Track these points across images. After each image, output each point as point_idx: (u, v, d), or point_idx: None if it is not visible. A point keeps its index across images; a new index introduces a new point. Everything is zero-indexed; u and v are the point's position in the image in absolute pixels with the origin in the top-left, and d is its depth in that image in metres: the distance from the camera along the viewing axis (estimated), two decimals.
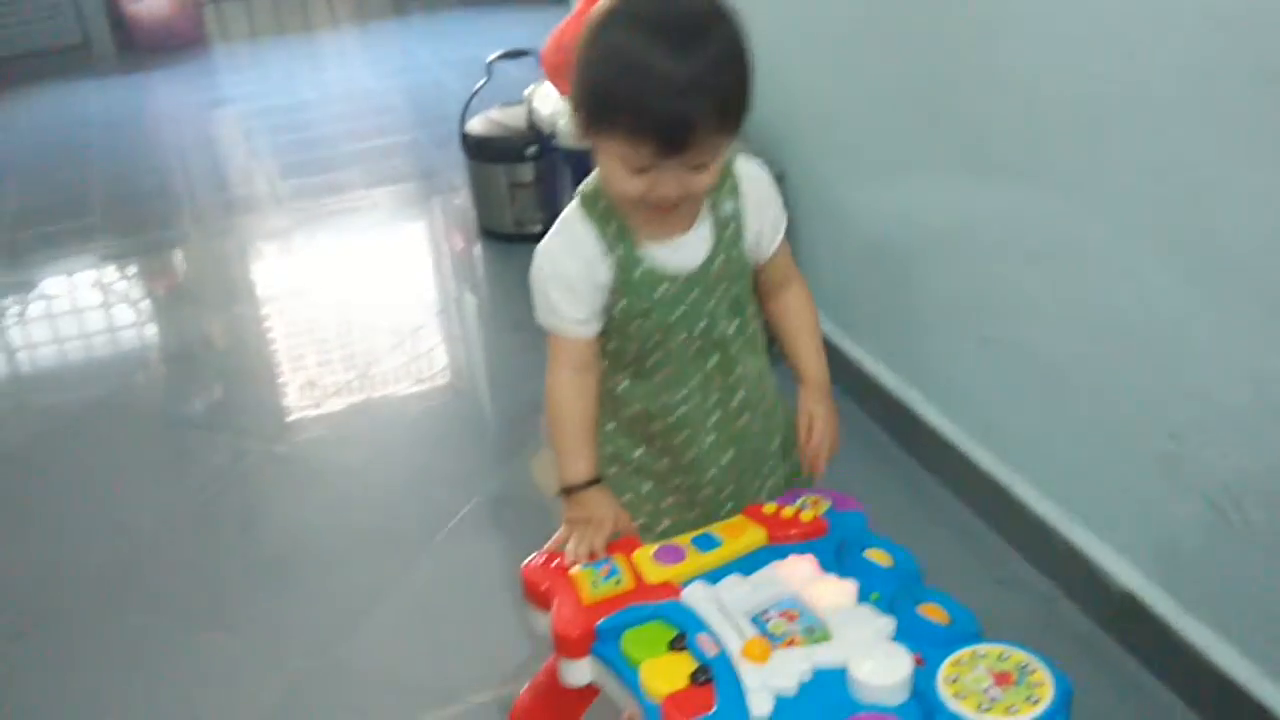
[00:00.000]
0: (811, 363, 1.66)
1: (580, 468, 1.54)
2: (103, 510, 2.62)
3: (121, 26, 6.41)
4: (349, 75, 6.05)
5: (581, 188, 1.51)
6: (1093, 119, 1.74)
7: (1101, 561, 1.93)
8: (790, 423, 1.68)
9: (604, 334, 1.54)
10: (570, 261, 1.48)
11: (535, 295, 1.53)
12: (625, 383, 1.57)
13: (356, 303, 3.56)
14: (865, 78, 2.35)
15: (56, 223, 4.32)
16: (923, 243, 2.27)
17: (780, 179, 2.73)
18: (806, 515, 1.52)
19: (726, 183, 1.52)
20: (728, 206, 1.52)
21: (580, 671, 1.36)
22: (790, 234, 2.74)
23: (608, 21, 1.36)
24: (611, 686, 1.34)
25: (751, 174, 1.56)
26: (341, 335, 3.40)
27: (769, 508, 1.54)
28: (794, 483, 1.68)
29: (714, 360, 1.55)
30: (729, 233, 1.52)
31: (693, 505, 1.64)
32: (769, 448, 1.66)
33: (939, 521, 2.26)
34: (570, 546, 1.47)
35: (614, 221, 1.48)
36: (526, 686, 1.59)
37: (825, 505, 1.56)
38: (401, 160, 4.63)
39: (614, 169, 1.39)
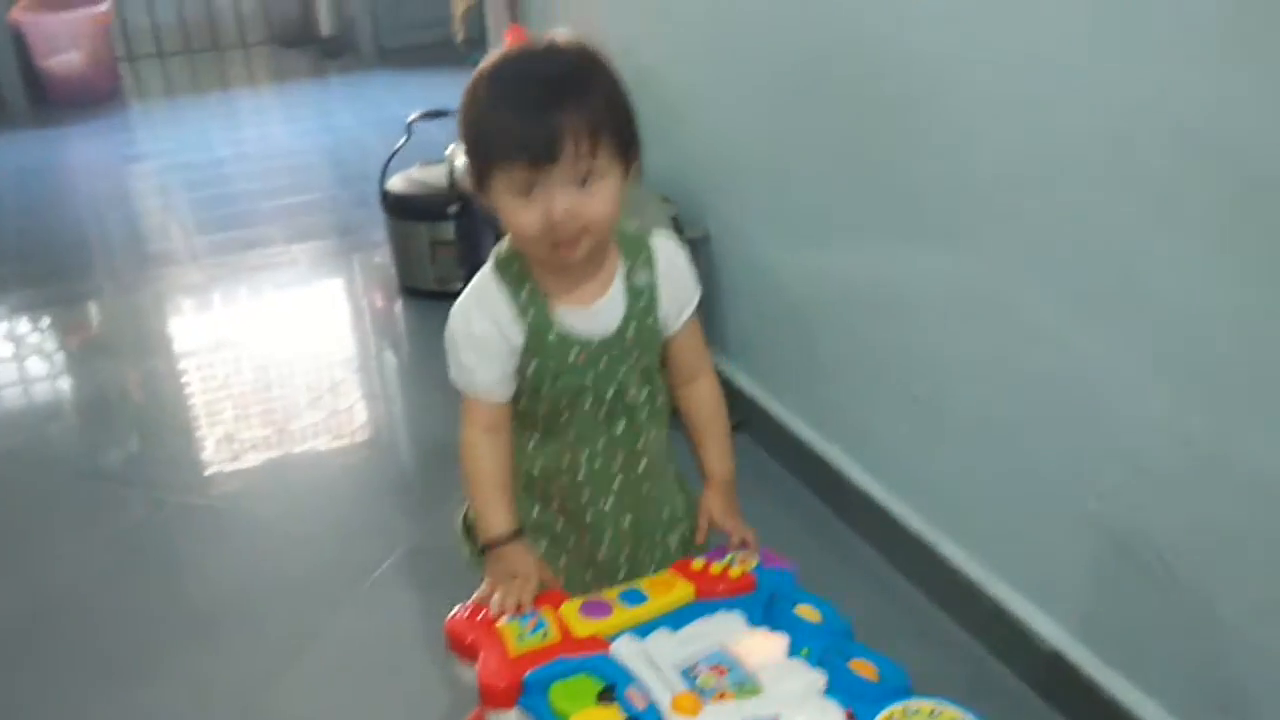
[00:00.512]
0: (717, 462, 1.65)
1: (499, 523, 1.54)
2: (16, 562, 2.55)
3: (35, 81, 6.32)
4: (267, 134, 6.00)
5: (495, 250, 1.52)
6: (1019, 182, 1.77)
7: (1029, 621, 1.94)
8: (685, 491, 1.69)
9: (514, 393, 1.54)
10: (483, 324, 1.49)
11: (449, 356, 1.53)
12: (533, 441, 1.58)
13: (275, 358, 3.51)
14: (792, 139, 2.37)
15: None
16: (848, 302, 2.29)
17: (704, 240, 2.75)
18: (735, 571, 1.52)
19: (641, 255, 1.53)
20: (642, 277, 1.53)
21: None
22: (714, 294, 2.78)
23: (480, 82, 1.41)
24: None
25: (667, 249, 1.57)
26: (259, 390, 3.34)
27: (697, 564, 1.53)
28: (688, 552, 1.65)
29: (621, 426, 1.55)
30: (642, 303, 1.52)
31: (587, 566, 1.63)
32: (661, 516, 1.66)
33: (865, 580, 2.26)
34: (496, 599, 1.45)
35: (527, 284, 1.48)
36: None
37: (754, 562, 1.55)
38: (321, 217, 4.59)
39: (508, 208, 1.40)
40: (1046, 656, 1.89)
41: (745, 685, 1.30)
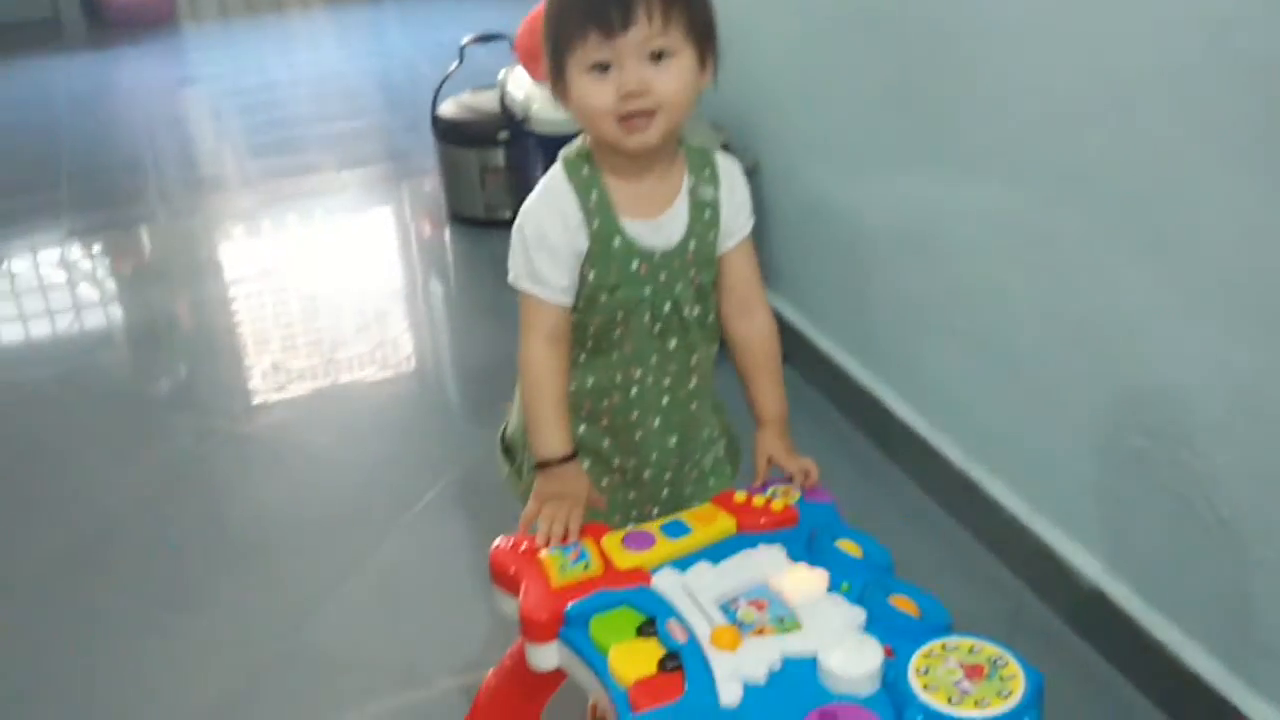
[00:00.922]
0: (772, 402, 1.62)
1: (556, 443, 1.51)
2: (65, 487, 2.59)
3: (92, 2, 6.34)
4: (320, 57, 6.00)
5: (564, 153, 1.50)
6: (1067, 115, 1.74)
7: (1070, 558, 1.93)
8: (720, 411, 1.69)
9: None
10: (554, 224, 1.47)
11: (514, 258, 1.50)
12: (582, 356, 1.55)
13: (323, 286, 3.53)
14: (842, 71, 2.34)
15: (22, 197, 4.27)
16: (895, 236, 2.26)
17: (754, 171, 2.72)
18: (777, 505, 1.51)
19: (707, 170, 1.53)
20: (707, 192, 1.52)
21: (547, 656, 1.35)
22: (762, 226, 2.75)
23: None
24: (579, 671, 1.32)
25: (729, 167, 1.56)
26: (307, 318, 3.37)
27: (739, 496, 1.53)
28: (720, 471, 1.68)
29: (674, 342, 1.54)
30: (705, 218, 1.52)
31: (630, 487, 1.63)
32: (701, 436, 1.65)
33: (907, 516, 2.26)
34: (543, 525, 1.45)
35: (596, 190, 1.47)
36: (492, 670, 1.57)
37: (796, 495, 1.55)
38: (371, 143, 4.60)
39: (581, 88, 1.40)
40: (1087, 594, 1.89)
41: (785, 620, 1.30)
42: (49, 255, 3.85)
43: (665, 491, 1.63)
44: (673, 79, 1.40)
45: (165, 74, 5.76)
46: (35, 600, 2.24)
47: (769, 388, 1.62)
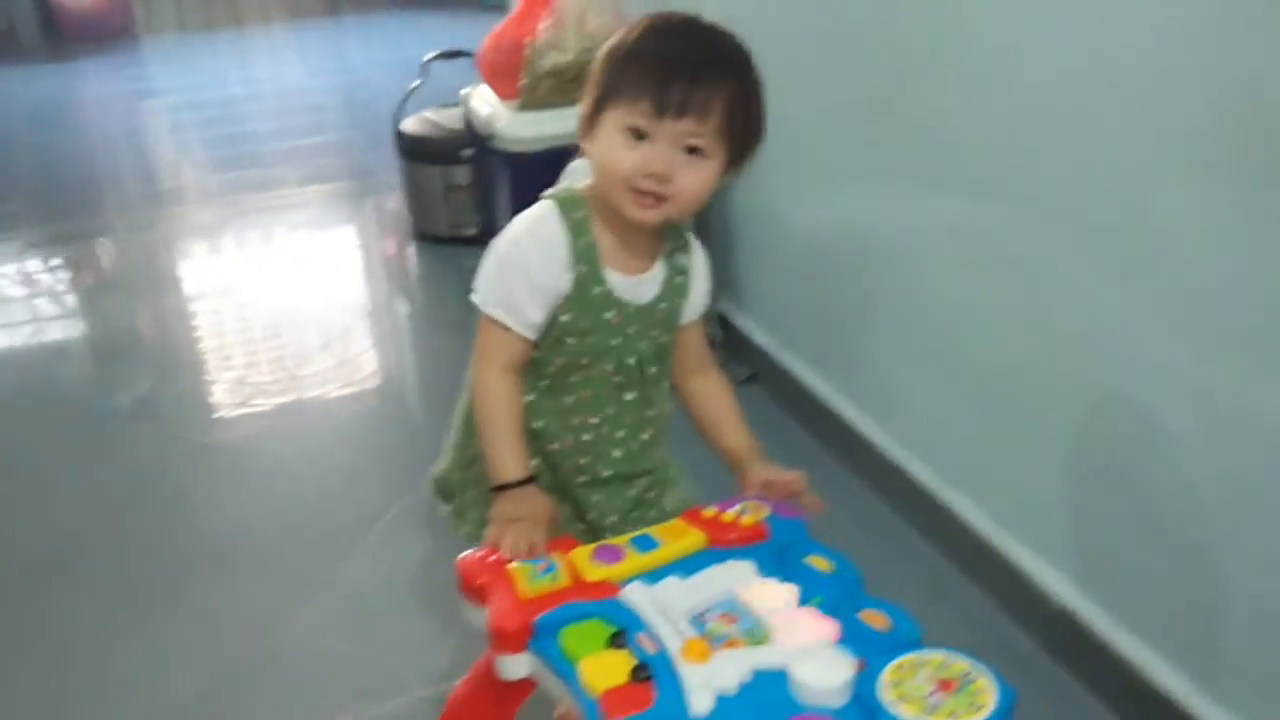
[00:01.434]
0: (744, 440, 1.63)
1: (514, 467, 1.52)
2: (26, 498, 2.57)
3: (48, 15, 6.30)
4: (280, 73, 5.98)
5: (556, 193, 1.52)
6: (1040, 132, 1.75)
7: (1039, 577, 1.94)
8: (679, 468, 1.70)
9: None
10: (540, 260, 1.49)
11: (488, 282, 1.52)
12: (532, 397, 1.57)
13: (286, 301, 3.51)
14: (810, 86, 2.35)
15: None
16: (863, 253, 2.27)
17: (720, 189, 2.72)
18: (747, 520, 1.51)
19: (681, 239, 1.57)
20: (682, 260, 1.57)
21: (517, 666, 1.34)
22: (730, 244, 2.77)
23: (636, 29, 1.45)
24: (548, 682, 1.32)
25: (696, 245, 1.60)
26: (270, 334, 3.35)
27: (708, 512, 1.53)
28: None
29: (631, 395, 1.57)
30: (677, 283, 1.56)
31: (577, 521, 1.64)
32: (645, 489, 1.66)
33: (875, 534, 2.27)
34: (508, 542, 1.44)
35: (586, 236, 1.49)
36: (462, 680, 1.56)
37: (765, 511, 1.54)
38: (334, 159, 4.58)
39: (610, 143, 1.42)
40: (1056, 614, 1.90)
41: (755, 633, 1.30)
42: (6, 268, 3.81)
43: (609, 535, 1.59)
44: (696, 178, 1.43)
45: (123, 87, 5.72)
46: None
47: (736, 429, 1.64)
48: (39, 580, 2.28)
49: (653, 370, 1.57)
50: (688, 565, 1.41)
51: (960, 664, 1.23)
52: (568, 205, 1.50)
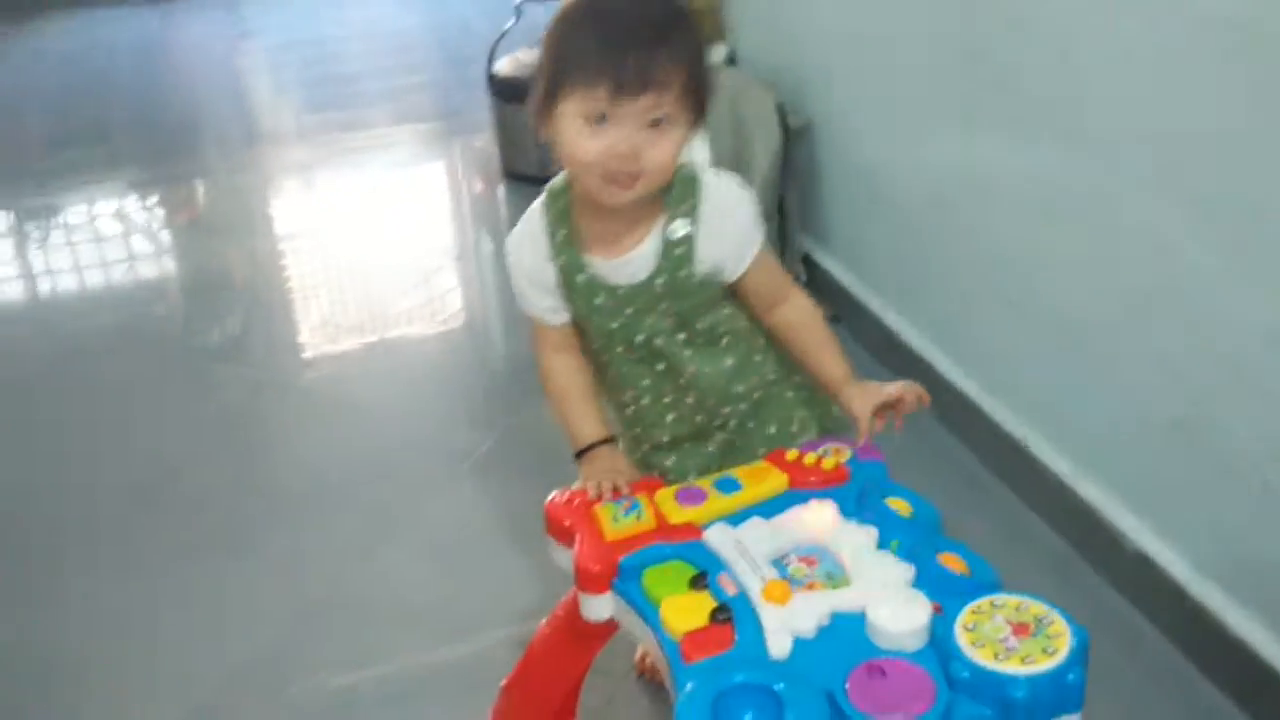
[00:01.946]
0: (837, 367, 1.57)
1: (589, 431, 1.57)
2: (121, 434, 2.64)
3: None
4: (375, 13, 6.01)
5: (550, 184, 1.54)
6: (1127, 78, 1.73)
7: (1116, 521, 1.94)
8: (812, 401, 1.67)
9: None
10: (530, 257, 1.54)
11: (511, 278, 1.59)
12: (598, 372, 1.62)
13: (376, 242, 3.56)
14: (897, 31, 2.33)
15: (79, 149, 4.32)
16: (949, 197, 2.26)
17: (807, 128, 2.72)
18: (828, 463, 1.52)
19: (684, 204, 1.49)
20: (680, 230, 1.49)
21: (601, 606, 1.37)
22: (815, 185, 2.76)
23: (568, 12, 1.41)
24: (631, 623, 1.35)
25: (719, 195, 1.51)
26: (360, 274, 3.40)
27: (791, 454, 1.54)
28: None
29: (661, 365, 1.57)
30: (676, 255, 1.49)
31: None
32: (766, 432, 1.64)
33: (957, 478, 2.27)
34: (593, 485, 1.48)
35: (566, 226, 1.51)
36: (545, 620, 1.60)
37: (847, 454, 1.56)
38: (425, 99, 4.61)
39: (571, 133, 1.39)
40: (1133, 558, 1.89)
41: (834, 576, 1.32)
42: (106, 207, 3.90)
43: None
44: (665, 149, 1.40)
45: (221, 28, 5.79)
46: (92, 541, 2.29)
47: (831, 356, 1.57)
48: (131, 514, 2.36)
49: (679, 338, 1.55)
50: (770, 507, 1.44)
51: (1036, 607, 1.24)
52: (552, 197, 1.53)
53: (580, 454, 1.56)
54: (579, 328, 1.58)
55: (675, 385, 1.58)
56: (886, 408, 1.53)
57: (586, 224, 1.50)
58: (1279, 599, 1.66)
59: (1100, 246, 1.86)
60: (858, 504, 1.45)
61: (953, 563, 1.36)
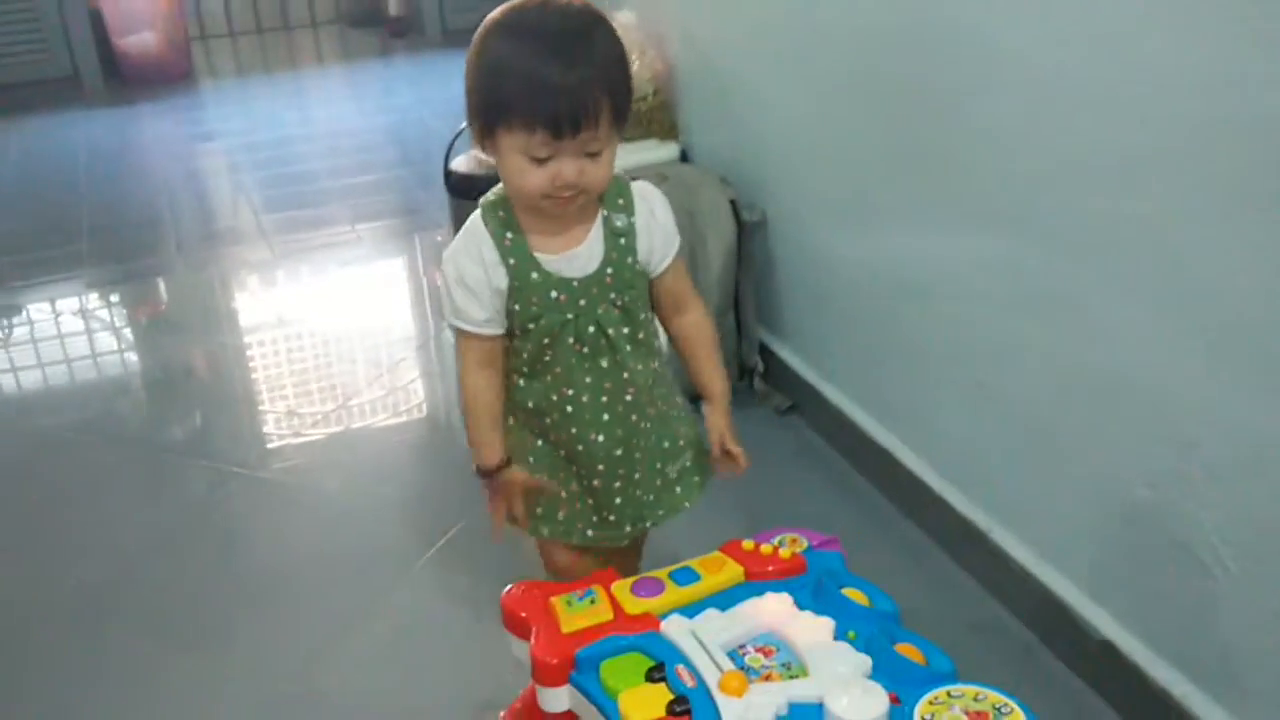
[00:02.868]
0: (714, 380, 1.76)
1: (491, 454, 1.71)
2: (82, 531, 2.61)
3: (111, 60, 6.43)
4: (334, 113, 6.08)
5: (483, 199, 1.63)
6: (1081, 171, 1.76)
7: (1078, 608, 1.94)
8: (690, 424, 1.81)
9: (507, 334, 1.65)
10: (471, 267, 1.60)
11: (443, 297, 1.65)
12: (521, 381, 1.68)
13: (338, 335, 3.57)
14: (850, 130, 2.37)
15: (43, 249, 4.32)
16: (905, 290, 2.29)
17: (761, 222, 2.76)
18: (785, 553, 1.53)
19: (620, 199, 1.63)
20: (620, 222, 1.62)
21: (558, 699, 1.37)
22: (770, 277, 2.79)
23: (492, 34, 1.51)
24: (589, 715, 1.34)
25: (646, 195, 1.66)
26: (322, 367, 3.41)
27: (747, 544, 1.55)
28: (687, 480, 1.80)
29: (605, 360, 1.65)
30: (621, 245, 1.62)
31: (587, 494, 1.74)
32: (660, 445, 1.75)
33: (916, 566, 2.27)
34: (494, 519, 1.73)
35: (511, 230, 1.59)
36: (503, 712, 1.59)
37: (804, 544, 1.57)
38: (385, 197, 4.65)
39: (516, 167, 1.51)
40: (1096, 646, 1.90)
41: (791, 666, 1.32)
42: (68, 304, 3.89)
43: (619, 499, 1.73)
44: (602, 169, 1.54)
45: (182, 130, 5.83)
46: (52, 639, 2.26)
47: (710, 368, 1.76)
48: (92, 614, 2.33)
49: (624, 333, 1.64)
50: (727, 598, 1.44)
51: (994, 697, 1.25)
52: (490, 208, 1.61)
53: (485, 474, 1.72)
54: (508, 342, 1.66)
55: (618, 382, 1.66)
56: (723, 458, 1.75)
57: (531, 226, 1.59)
58: (1240, 682, 1.66)
59: (1056, 335, 1.89)
60: (815, 594, 1.45)
61: (910, 653, 1.37)
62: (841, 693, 1.24)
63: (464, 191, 3.69)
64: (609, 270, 1.61)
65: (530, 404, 1.69)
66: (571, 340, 1.62)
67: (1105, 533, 1.87)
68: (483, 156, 1.82)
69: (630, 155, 3.06)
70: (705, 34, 2.98)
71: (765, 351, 2.87)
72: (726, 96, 2.90)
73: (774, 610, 1.40)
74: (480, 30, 1.53)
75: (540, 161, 1.49)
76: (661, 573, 1.49)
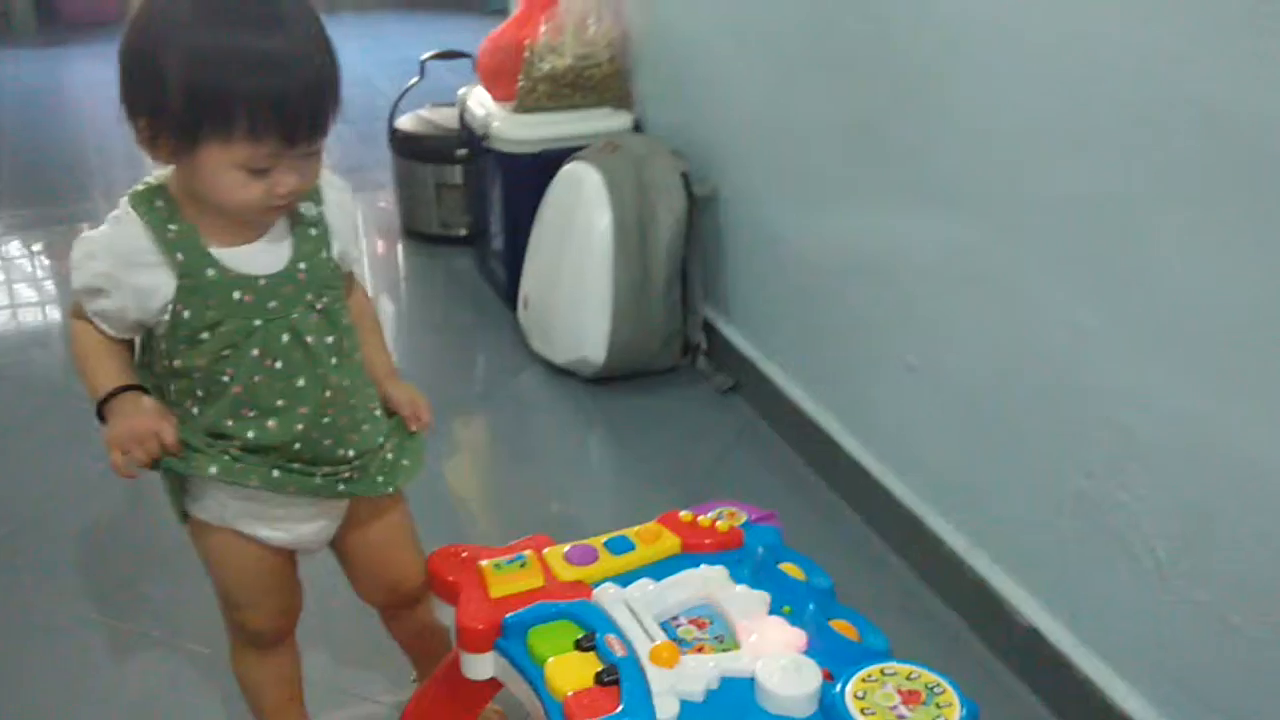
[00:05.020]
0: (387, 356, 1.57)
1: (110, 378, 1.35)
2: None
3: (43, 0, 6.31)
4: None
5: (135, 188, 1.34)
6: (1028, 153, 1.75)
7: (1008, 596, 1.94)
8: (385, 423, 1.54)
9: (166, 355, 1.36)
10: (114, 268, 1.31)
11: (74, 273, 1.34)
12: (197, 406, 1.37)
13: None
14: (804, 105, 2.35)
15: None
16: (849, 268, 2.27)
17: (713, 198, 2.73)
18: (722, 525, 1.51)
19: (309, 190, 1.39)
20: (310, 211, 1.39)
21: (482, 666, 1.34)
22: (720, 254, 2.77)
23: (179, 11, 1.24)
24: (514, 683, 1.31)
25: (332, 181, 1.45)
26: None
27: (685, 516, 1.53)
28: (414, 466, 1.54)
29: (300, 381, 1.38)
30: (313, 235, 1.39)
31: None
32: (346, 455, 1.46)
33: (851, 548, 2.26)
34: (120, 464, 1.33)
35: (175, 223, 1.31)
36: (427, 680, 1.56)
37: (742, 517, 1.55)
38: (326, 155, 4.56)
39: (228, 179, 1.25)
40: (1024, 632, 1.89)
41: (724, 639, 1.30)
42: None
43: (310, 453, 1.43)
44: (315, 169, 1.33)
45: (113, 74, 5.71)
46: None
47: (381, 346, 1.56)
48: (4, 563, 2.26)
49: (327, 340, 1.39)
50: (661, 569, 1.42)
51: (926, 676, 1.24)
52: (142, 199, 1.32)
53: (101, 407, 1.35)
54: (165, 364, 1.36)
55: (316, 403, 1.39)
56: (405, 407, 1.53)
57: (199, 218, 1.31)
58: (1168, 675, 1.66)
59: (1002, 319, 1.88)
60: (751, 568, 1.43)
61: (845, 629, 1.36)
62: (774, 667, 1.23)
63: (408, 151, 3.65)
64: (301, 266, 1.36)
65: (212, 427, 1.38)
66: (256, 353, 1.34)
67: (1039, 521, 1.86)
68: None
69: (582, 123, 3.03)
70: (659, 3, 2.95)
71: (709, 329, 2.85)
72: (682, 68, 2.87)
73: (709, 582, 1.38)
74: (153, 5, 1.26)
75: (260, 172, 1.25)
76: (596, 540, 1.47)
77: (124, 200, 1.33)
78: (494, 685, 1.37)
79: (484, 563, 1.41)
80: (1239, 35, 1.38)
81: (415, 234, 3.72)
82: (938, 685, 1.23)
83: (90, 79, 5.65)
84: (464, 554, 1.45)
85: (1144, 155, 1.54)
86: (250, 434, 1.37)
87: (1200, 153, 1.46)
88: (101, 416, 1.35)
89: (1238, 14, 1.38)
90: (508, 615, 1.33)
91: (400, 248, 3.75)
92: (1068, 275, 1.71)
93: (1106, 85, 1.58)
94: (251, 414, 1.37)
